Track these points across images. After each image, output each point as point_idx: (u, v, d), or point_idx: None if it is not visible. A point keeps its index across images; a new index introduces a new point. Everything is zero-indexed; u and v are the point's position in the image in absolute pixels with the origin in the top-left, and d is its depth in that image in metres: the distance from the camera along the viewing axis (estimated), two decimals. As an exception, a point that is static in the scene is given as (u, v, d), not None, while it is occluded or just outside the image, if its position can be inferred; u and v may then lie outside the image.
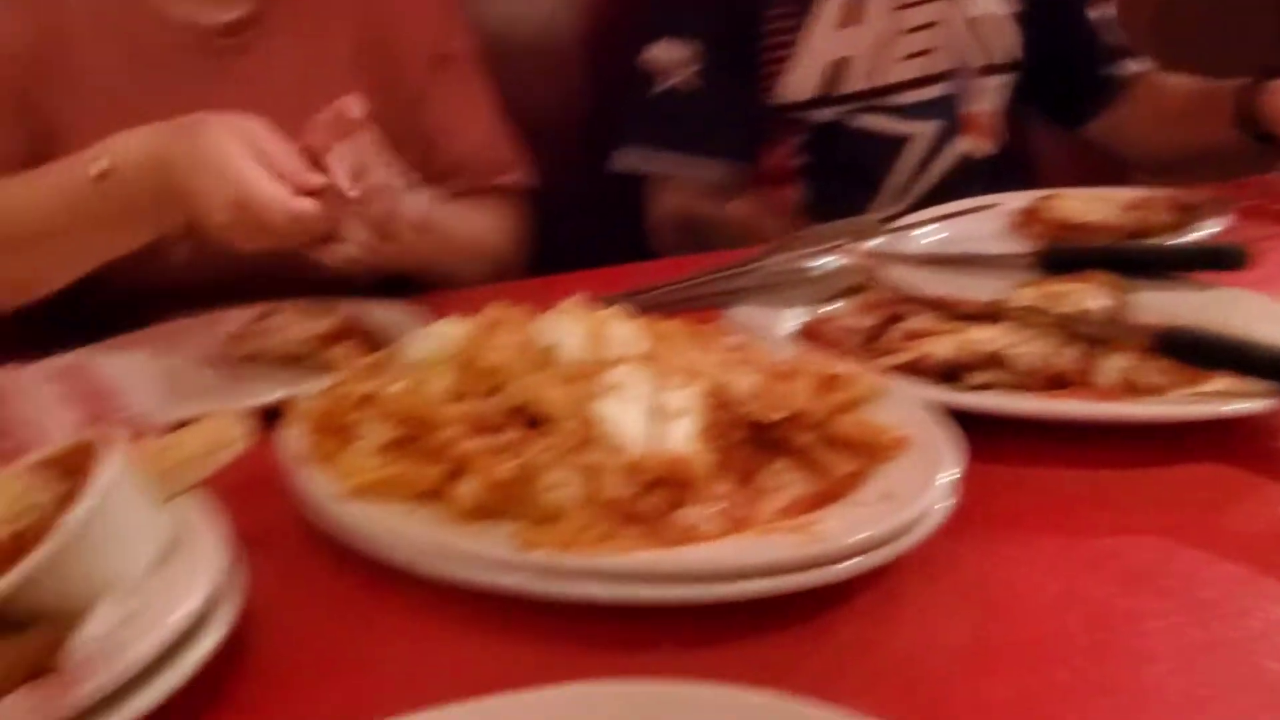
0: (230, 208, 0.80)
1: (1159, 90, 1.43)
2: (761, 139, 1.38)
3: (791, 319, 0.85)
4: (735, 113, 1.35)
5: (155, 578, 0.49)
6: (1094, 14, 1.47)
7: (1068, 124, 1.52)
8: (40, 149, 1.05)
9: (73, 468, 0.52)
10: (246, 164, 0.81)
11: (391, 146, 1.14)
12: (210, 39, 1.08)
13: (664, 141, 1.35)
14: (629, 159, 1.36)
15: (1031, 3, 1.40)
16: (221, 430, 0.56)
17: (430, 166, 1.21)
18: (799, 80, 1.34)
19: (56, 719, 0.41)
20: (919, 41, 1.36)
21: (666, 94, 1.34)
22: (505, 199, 1.24)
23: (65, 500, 0.51)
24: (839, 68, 1.34)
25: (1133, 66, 1.46)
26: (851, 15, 1.34)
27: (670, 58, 1.33)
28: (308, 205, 0.82)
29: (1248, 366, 0.66)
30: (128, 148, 0.88)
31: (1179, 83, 1.43)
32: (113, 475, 0.48)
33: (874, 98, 1.34)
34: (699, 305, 0.87)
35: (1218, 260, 0.83)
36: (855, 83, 1.35)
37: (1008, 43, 1.40)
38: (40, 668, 0.44)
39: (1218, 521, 0.58)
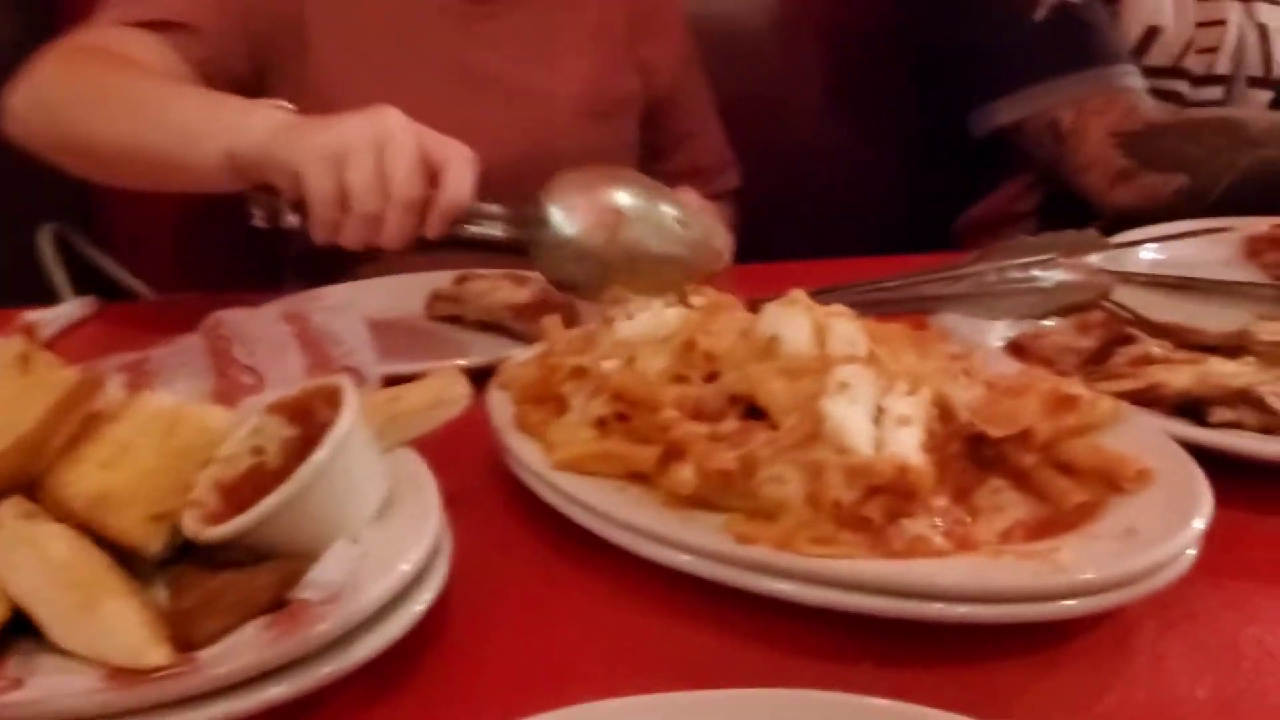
0: (372, 142, 0.75)
1: None
2: None
3: (1000, 332, 0.82)
4: (1106, 33, 1.25)
5: (378, 525, 0.51)
6: None
7: None
8: (249, 79, 1.12)
9: (300, 412, 0.54)
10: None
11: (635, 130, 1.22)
12: (465, 4, 1.15)
13: (1068, 63, 1.23)
14: (1010, 109, 1.27)
15: None
16: (444, 388, 0.58)
17: (670, 163, 1.26)
18: (1120, 35, 1.28)
19: (295, 653, 0.42)
20: (1209, 37, 1.29)
21: (1053, 13, 1.23)
22: (725, 200, 1.29)
23: (294, 444, 0.53)
24: (1151, 35, 1.28)
25: None
26: None
27: None
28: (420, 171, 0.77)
29: None
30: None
31: None
32: (348, 425, 0.50)
33: (1167, 79, 1.28)
34: (903, 308, 0.84)
35: None
36: (1159, 57, 1.28)
37: (1276, 56, 1.31)
38: (275, 601, 0.46)
39: None
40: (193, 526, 0.49)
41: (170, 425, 0.52)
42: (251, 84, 1.12)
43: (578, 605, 0.54)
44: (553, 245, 0.79)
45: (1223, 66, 1.29)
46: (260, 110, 0.85)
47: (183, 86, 0.96)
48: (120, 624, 0.42)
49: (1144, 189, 1.21)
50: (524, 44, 1.17)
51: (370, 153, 0.75)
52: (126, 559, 0.50)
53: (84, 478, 0.49)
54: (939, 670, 0.48)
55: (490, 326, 0.88)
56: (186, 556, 0.50)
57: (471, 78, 1.15)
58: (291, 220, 0.81)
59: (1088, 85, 1.22)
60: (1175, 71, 1.26)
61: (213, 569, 0.48)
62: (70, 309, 0.97)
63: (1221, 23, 1.28)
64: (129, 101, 0.92)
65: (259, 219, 0.83)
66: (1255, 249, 1.02)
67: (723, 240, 0.80)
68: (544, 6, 1.19)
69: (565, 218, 0.78)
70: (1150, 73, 1.24)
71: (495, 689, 0.48)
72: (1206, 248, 1.04)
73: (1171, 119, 1.22)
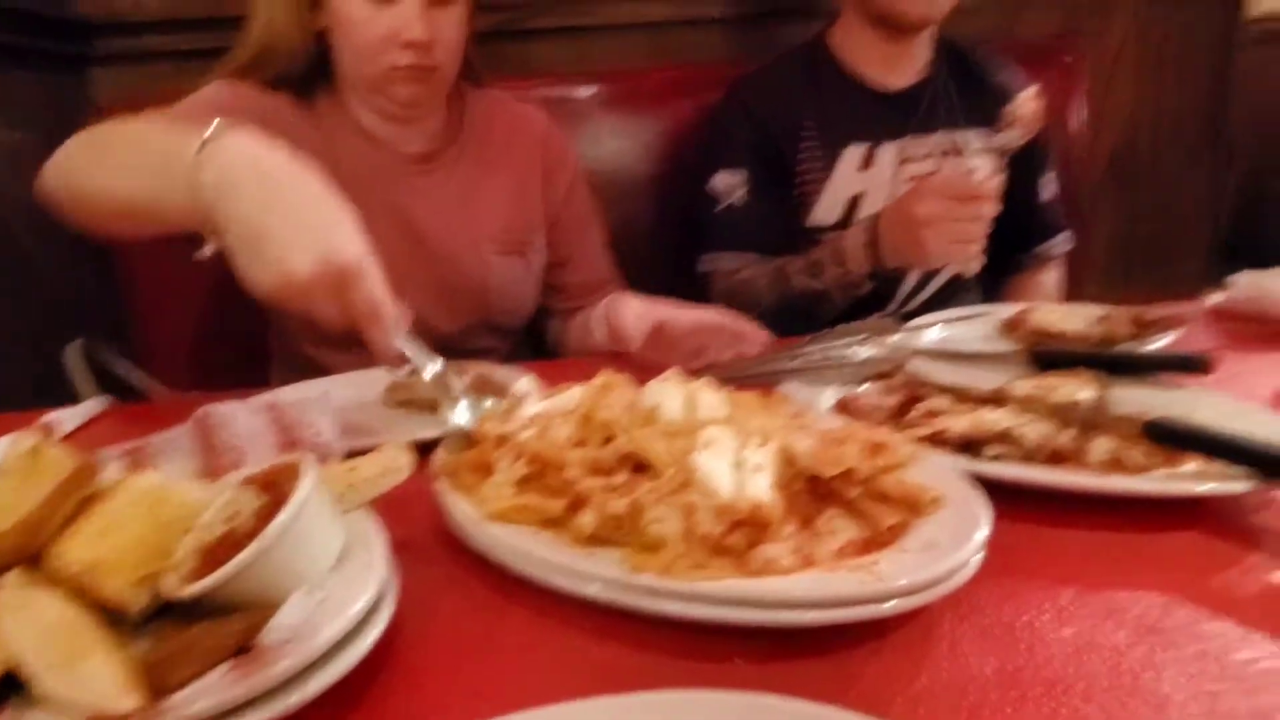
0: (318, 259, 0.62)
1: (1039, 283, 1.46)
2: (797, 250, 1.36)
3: (828, 396, 0.82)
4: (773, 222, 1.34)
5: (335, 576, 0.47)
6: (1045, 194, 1.45)
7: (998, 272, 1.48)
8: None
9: (270, 484, 0.50)
10: (359, 240, 0.65)
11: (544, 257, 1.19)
12: (405, 162, 1.12)
13: (725, 244, 1.35)
14: (706, 262, 1.37)
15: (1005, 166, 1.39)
16: (392, 459, 0.54)
17: (568, 278, 1.24)
18: (826, 208, 1.34)
19: (255, 691, 0.38)
20: None
21: (725, 210, 1.35)
22: None
23: (264, 511, 0.49)
24: (856, 201, 1.33)
25: (1061, 247, 1.46)
26: (866, 161, 1.33)
27: (726, 184, 1.35)
28: (386, 309, 0.66)
29: (1220, 453, 0.61)
30: (247, 141, 0.68)
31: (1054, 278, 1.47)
32: (306, 492, 0.46)
33: None
34: (756, 381, 0.83)
35: (1188, 366, 0.78)
36: (868, 213, 1.33)
37: None
38: (242, 647, 0.41)
39: (1207, 584, 0.52)
40: (172, 586, 0.44)
41: (156, 501, 0.47)
42: None
43: (505, 631, 0.50)
44: None
45: None
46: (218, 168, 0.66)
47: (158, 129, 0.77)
48: (100, 675, 0.37)
49: None
50: (454, 196, 1.14)
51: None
52: (116, 618, 0.45)
53: (78, 549, 0.44)
54: (793, 664, 0.46)
55: (439, 408, 0.84)
56: (169, 613, 0.45)
57: (411, 223, 1.11)
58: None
59: (728, 260, 1.35)
60: None
61: (190, 623, 0.43)
62: (86, 408, 0.89)
63: (931, 174, 1.35)
64: (123, 148, 0.78)
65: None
66: (1008, 327, 1.06)
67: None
68: (471, 165, 1.16)
69: None
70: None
71: (438, 705, 0.44)
72: (974, 327, 1.07)
73: (733, 282, 1.34)
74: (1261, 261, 1.13)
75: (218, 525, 0.47)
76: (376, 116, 1.11)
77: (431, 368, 0.68)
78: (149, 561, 0.45)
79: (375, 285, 0.65)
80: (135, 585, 0.44)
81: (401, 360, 0.70)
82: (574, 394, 0.62)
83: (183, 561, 0.45)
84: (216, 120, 0.67)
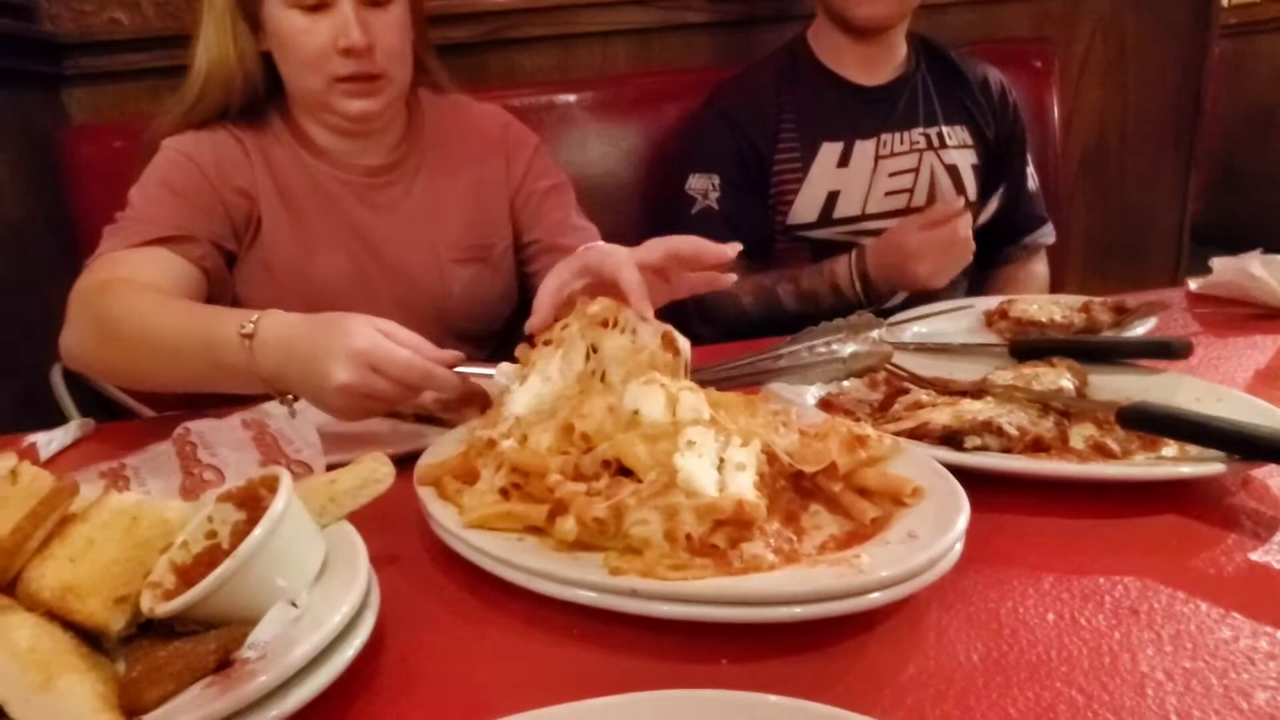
0: (353, 358, 0.69)
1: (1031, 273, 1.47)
2: (774, 249, 1.37)
3: (813, 393, 0.82)
4: (746, 225, 1.35)
5: (316, 589, 0.47)
6: (1031, 184, 1.47)
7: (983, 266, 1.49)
8: (237, 250, 1.07)
9: (247, 499, 0.50)
10: (374, 330, 0.72)
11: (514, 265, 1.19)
12: (363, 175, 1.11)
13: None
14: None
15: (986, 161, 1.40)
16: (371, 470, 0.54)
17: (533, 266, 1.22)
18: (804, 207, 1.35)
19: (233, 707, 0.38)
20: (897, 183, 1.35)
21: (700, 212, 1.36)
22: None
23: (241, 527, 0.49)
24: (833, 198, 1.34)
25: (1047, 237, 1.47)
26: (842, 160, 1.34)
27: (700, 186, 1.37)
28: (420, 364, 0.71)
29: (1196, 437, 0.62)
30: (274, 322, 0.76)
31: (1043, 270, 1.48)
32: (282, 507, 0.46)
33: (861, 222, 1.33)
34: (741, 382, 0.83)
35: (1166, 351, 0.79)
36: (846, 210, 1.35)
37: (968, 187, 1.39)
38: (221, 663, 0.41)
39: (1186, 565, 0.53)
40: (149, 604, 0.43)
41: (131, 520, 0.47)
42: (238, 254, 1.08)
43: (490, 639, 0.50)
44: None
45: (920, 200, 1.37)
46: (261, 356, 0.75)
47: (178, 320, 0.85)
48: (72, 697, 0.37)
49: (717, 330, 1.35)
50: (413, 208, 1.13)
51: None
52: (96, 639, 0.44)
53: (53, 572, 0.44)
54: (780, 662, 0.46)
55: (423, 419, 0.84)
56: (148, 632, 0.45)
57: (368, 238, 1.11)
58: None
59: None
60: (865, 217, 1.35)
61: (170, 640, 0.43)
62: (70, 430, 0.89)
63: (913, 170, 1.36)
64: (153, 343, 0.84)
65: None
66: (991, 319, 1.06)
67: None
68: (431, 173, 1.14)
69: None
70: (839, 222, 1.35)
71: (423, 715, 0.44)
72: (956, 320, 1.07)
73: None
74: (1230, 247, 1.14)
75: (198, 542, 0.47)
76: (329, 133, 1.10)
77: (498, 376, 0.70)
78: (126, 582, 0.45)
79: (395, 353, 0.71)
80: (113, 606, 0.44)
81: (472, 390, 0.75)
82: (546, 392, 0.62)
83: (160, 580, 0.45)
84: (250, 323, 0.76)
